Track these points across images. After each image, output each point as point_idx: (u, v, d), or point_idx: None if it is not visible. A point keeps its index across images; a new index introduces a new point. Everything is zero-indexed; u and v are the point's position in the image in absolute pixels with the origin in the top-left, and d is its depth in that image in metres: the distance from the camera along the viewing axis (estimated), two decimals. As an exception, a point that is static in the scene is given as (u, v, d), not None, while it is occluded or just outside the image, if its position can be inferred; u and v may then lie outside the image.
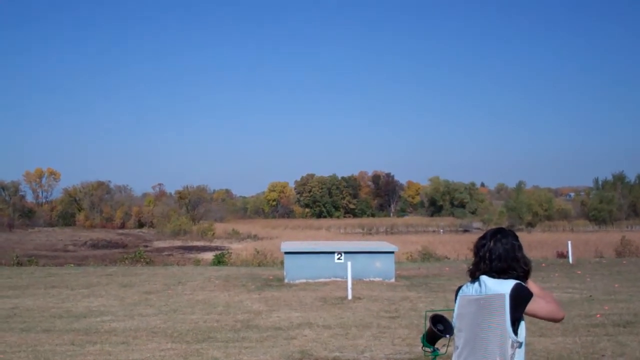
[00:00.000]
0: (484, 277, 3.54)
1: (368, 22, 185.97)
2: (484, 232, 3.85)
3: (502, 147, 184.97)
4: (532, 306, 3.45)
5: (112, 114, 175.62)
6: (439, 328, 4.11)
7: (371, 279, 17.07)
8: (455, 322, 3.70)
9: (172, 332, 10.94)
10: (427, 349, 4.27)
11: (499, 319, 3.40)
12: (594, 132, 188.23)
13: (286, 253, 17.78)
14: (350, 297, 14.38)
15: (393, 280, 17.37)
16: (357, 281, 15.81)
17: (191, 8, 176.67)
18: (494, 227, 4.00)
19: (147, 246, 59.43)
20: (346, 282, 16.26)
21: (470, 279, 3.74)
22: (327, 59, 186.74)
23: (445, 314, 4.22)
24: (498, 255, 3.57)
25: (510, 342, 3.40)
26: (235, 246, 56.30)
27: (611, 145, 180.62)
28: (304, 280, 17.15)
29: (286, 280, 17.35)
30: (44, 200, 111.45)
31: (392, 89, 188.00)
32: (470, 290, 3.62)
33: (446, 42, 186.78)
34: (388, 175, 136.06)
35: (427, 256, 30.11)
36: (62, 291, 16.38)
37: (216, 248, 57.14)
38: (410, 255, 30.51)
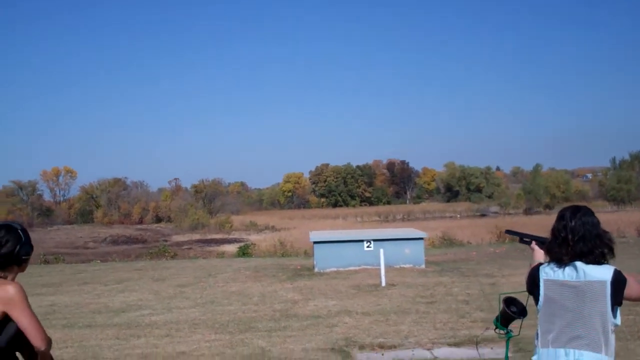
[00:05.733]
0: (579, 263, 3.51)
1: (376, 7, 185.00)
2: (561, 211, 3.80)
3: (516, 131, 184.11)
4: (627, 290, 3.46)
5: (125, 110, 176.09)
6: (512, 310, 4.15)
7: (401, 266, 17.11)
8: (542, 305, 3.68)
9: (213, 324, 11.03)
10: (501, 331, 4.31)
11: (601, 305, 3.41)
12: (609, 111, 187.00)
13: (315, 243, 17.84)
14: (384, 284, 14.43)
15: (423, 266, 17.39)
16: (387, 268, 15.80)
17: (211, 5, 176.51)
18: (568, 205, 3.96)
19: (166, 240, 59.68)
20: (377, 269, 16.35)
21: (549, 261, 3.71)
22: (337, 47, 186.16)
23: (518, 297, 4.24)
24: (581, 236, 3.54)
25: (611, 326, 3.42)
26: (254, 238, 56.36)
27: (627, 124, 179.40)
28: (334, 269, 17.21)
29: (316, 270, 17.42)
30: (61, 199, 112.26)
31: (403, 75, 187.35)
32: (560, 274, 3.57)
33: (456, 25, 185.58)
34: (403, 162, 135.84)
35: (448, 242, 30.10)
36: (95, 287, 16.54)
37: (235, 240, 57.37)
38: (433, 242, 30.47)
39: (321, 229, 53.98)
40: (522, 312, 4.14)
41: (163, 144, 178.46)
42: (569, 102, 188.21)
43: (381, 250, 14.86)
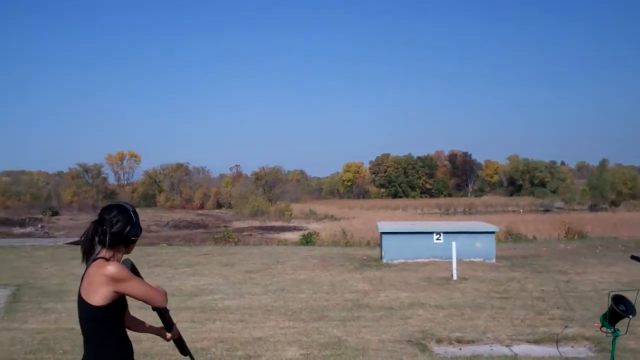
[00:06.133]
0: None
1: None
2: None
3: (582, 124, 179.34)
4: None
5: (188, 96, 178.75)
6: (620, 308, 4.01)
7: (471, 260, 16.83)
8: None
9: (285, 311, 11.04)
10: (608, 330, 4.17)
11: None
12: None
13: (383, 233, 17.71)
14: (455, 277, 14.21)
15: (494, 260, 17.08)
16: (457, 261, 15.53)
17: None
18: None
19: (226, 226, 60.26)
20: (446, 262, 16.19)
21: None
22: (399, 35, 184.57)
23: (627, 295, 4.08)
24: None
25: None
26: (313, 226, 56.35)
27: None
28: (402, 261, 17.05)
29: (384, 261, 17.29)
30: (125, 182, 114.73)
31: (467, 65, 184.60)
32: None
33: (525, 15, 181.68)
34: (465, 154, 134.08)
35: (515, 236, 29.54)
36: (166, 270, 16.79)
37: (294, 228, 57.61)
38: (497, 236, 29.91)
39: (381, 219, 53.72)
40: (631, 310, 4.02)
41: (225, 130, 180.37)
42: (637, 95, 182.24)
43: (453, 244, 14.63)
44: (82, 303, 3.49)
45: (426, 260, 17.04)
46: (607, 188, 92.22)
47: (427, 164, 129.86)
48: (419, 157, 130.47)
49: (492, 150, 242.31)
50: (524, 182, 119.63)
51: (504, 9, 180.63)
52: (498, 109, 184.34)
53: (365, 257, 18.84)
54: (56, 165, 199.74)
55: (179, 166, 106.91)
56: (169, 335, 3.83)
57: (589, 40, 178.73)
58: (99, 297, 3.40)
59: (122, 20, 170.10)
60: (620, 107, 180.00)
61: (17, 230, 50.19)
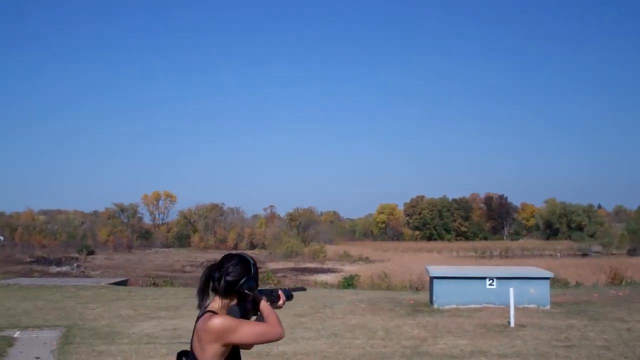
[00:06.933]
0: None
1: (482, 29, 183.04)
2: None
3: (620, 168, 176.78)
4: None
5: (224, 137, 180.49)
6: None
7: (525, 306, 16.37)
8: None
9: (344, 357, 10.78)
10: None
11: None
12: None
13: (435, 278, 17.34)
14: (512, 324, 13.80)
15: (548, 307, 16.61)
16: (509, 308, 15.18)
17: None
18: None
19: (260, 267, 59.79)
20: (499, 308, 15.86)
21: None
22: (434, 72, 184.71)
23: None
24: None
25: None
26: (348, 268, 55.99)
27: None
28: (454, 306, 16.66)
29: (435, 306, 16.92)
30: (160, 222, 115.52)
31: (503, 108, 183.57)
32: None
33: (560, 55, 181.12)
34: (501, 197, 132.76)
35: (562, 282, 28.88)
36: (213, 313, 16.59)
37: (329, 270, 57.23)
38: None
39: (417, 262, 53.16)
40: None
41: (259, 171, 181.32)
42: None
43: (511, 290, 14.23)
44: (194, 358, 3.36)
45: (479, 306, 16.63)
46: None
47: (463, 207, 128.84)
48: (454, 200, 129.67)
49: (528, 193, 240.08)
50: (561, 225, 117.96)
51: (538, 49, 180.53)
52: (535, 151, 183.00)
53: (412, 302, 18.48)
54: (92, 204, 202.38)
55: (214, 206, 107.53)
56: (280, 302, 3.75)
57: (631, 82, 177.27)
58: (208, 355, 3.28)
59: (160, 64, 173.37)
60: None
61: (54, 269, 50.55)
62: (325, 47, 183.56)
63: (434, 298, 17.09)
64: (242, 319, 3.37)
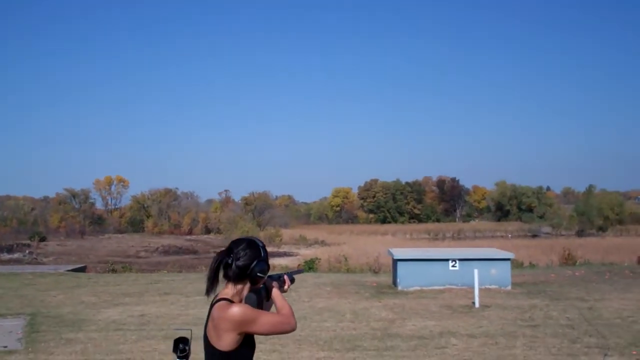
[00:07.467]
0: None
1: (433, 20, 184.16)
2: None
3: (568, 150, 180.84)
4: None
5: (177, 122, 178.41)
6: None
7: (487, 287, 16.68)
8: None
9: (316, 340, 10.86)
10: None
11: None
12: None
13: (398, 260, 17.55)
14: (477, 305, 14.09)
15: (509, 287, 16.99)
16: (473, 289, 15.49)
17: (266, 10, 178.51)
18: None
19: (217, 252, 59.80)
20: (462, 289, 16.20)
21: None
22: (388, 61, 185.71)
23: None
24: None
25: None
26: (304, 252, 56.10)
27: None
28: (418, 288, 16.90)
29: (399, 288, 17.13)
30: (113, 207, 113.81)
31: (454, 91, 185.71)
32: None
33: (510, 38, 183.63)
34: (453, 180, 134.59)
35: (516, 263, 29.46)
36: (178, 298, 16.52)
37: (285, 254, 57.19)
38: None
39: (372, 244, 53.61)
40: None
41: (213, 156, 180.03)
42: (623, 122, 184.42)
43: (475, 271, 14.51)
44: (208, 345, 3.37)
45: (442, 287, 16.91)
46: (594, 214, 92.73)
47: (416, 190, 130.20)
48: (407, 183, 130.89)
49: (479, 176, 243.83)
50: (512, 207, 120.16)
51: (499, 31, 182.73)
52: (485, 135, 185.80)
53: (375, 284, 18.67)
54: (42, 190, 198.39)
55: (167, 191, 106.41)
56: (285, 287, 3.73)
57: (575, 61, 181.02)
58: (225, 343, 3.29)
59: (113, 44, 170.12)
60: (605, 134, 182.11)
61: (5, 256, 49.40)
62: (270, 31, 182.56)
63: (398, 280, 17.29)
64: (260, 310, 3.38)
